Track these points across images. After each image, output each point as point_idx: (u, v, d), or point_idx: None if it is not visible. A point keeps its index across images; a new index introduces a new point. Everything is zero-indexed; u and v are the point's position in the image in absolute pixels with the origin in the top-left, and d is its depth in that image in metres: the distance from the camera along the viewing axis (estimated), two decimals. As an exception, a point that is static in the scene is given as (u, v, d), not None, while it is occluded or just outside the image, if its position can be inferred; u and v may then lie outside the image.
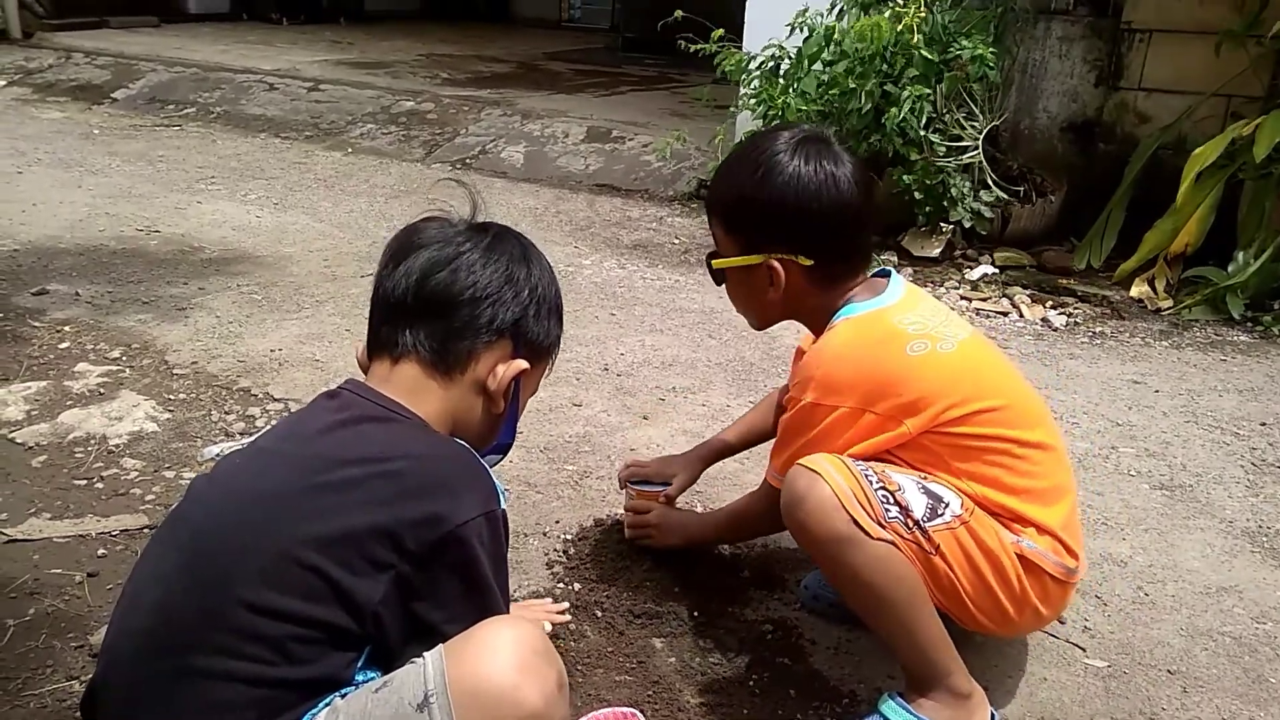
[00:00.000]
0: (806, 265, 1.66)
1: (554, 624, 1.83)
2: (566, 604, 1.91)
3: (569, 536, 2.17)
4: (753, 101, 4.49)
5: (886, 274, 1.76)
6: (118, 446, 2.45)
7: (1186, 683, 1.82)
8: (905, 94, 3.99)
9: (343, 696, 1.15)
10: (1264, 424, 2.91)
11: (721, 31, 4.59)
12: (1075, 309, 3.86)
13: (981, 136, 4.22)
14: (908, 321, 1.65)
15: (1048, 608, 1.64)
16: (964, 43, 4.06)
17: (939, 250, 4.27)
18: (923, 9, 4.04)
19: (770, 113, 4.27)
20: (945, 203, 4.19)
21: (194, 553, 1.19)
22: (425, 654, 1.14)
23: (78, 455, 2.40)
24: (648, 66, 9.17)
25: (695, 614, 1.91)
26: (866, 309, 1.68)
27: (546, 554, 2.10)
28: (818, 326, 1.74)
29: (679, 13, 4.53)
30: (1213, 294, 3.81)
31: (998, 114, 4.39)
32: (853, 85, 4.10)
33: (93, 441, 2.47)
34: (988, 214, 4.25)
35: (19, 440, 2.45)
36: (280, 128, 6.62)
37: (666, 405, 2.85)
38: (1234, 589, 2.11)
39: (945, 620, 1.59)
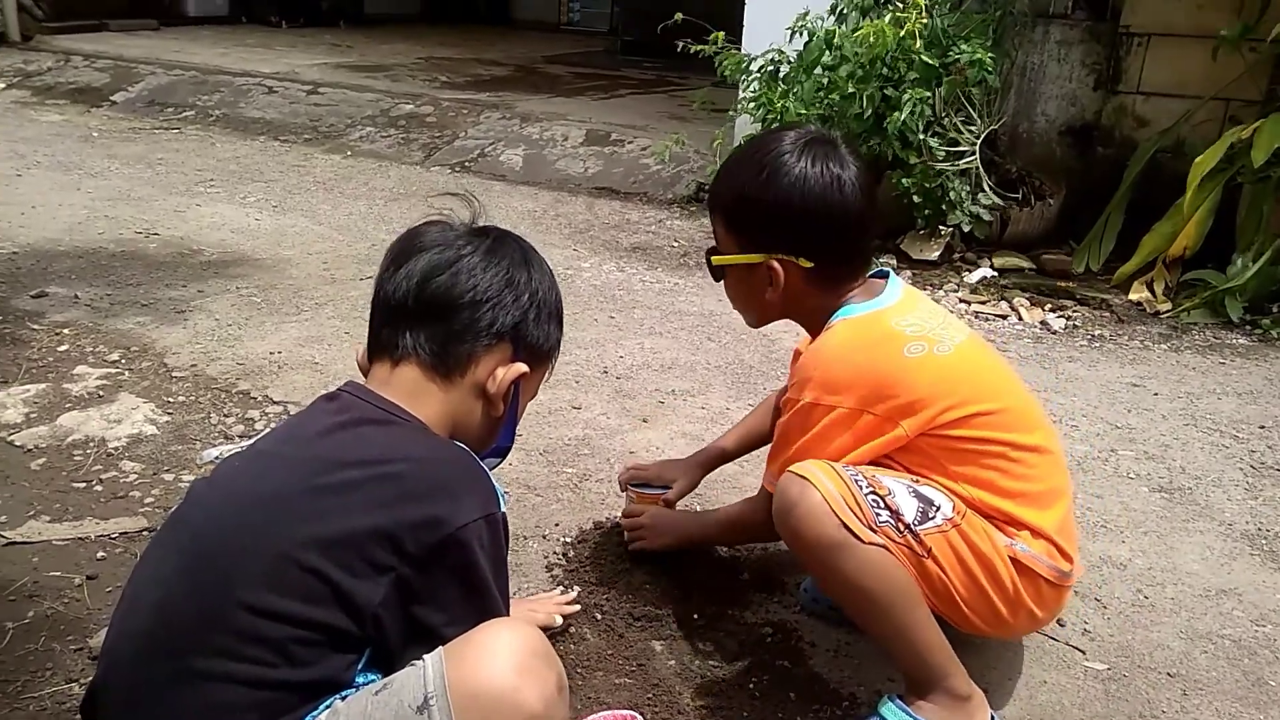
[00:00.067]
0: (807, 267, 1.66)
1: (565, 615, 1.84)
2: (575, 592, 1.92)
3: (568, 539, 2.17)
4: (751, 105, 4.50)
5: (885, 275, 1.76)
6: (117, 449, 2.45)
7: (1186, 685, 1.82)
8: (906, 98, 3.99)
9: (343, 699, 1.15)
10: (1263, 427, 2.91)
11: (722, 34, 4.59)
12: (1074, 312, 3.86)
13: (980, 140, 4.22)
14: (905, 323, 1.65)
15: (1043, 610, 1.64)
16: (963, 47, 4.07)
17: (938, 253, 4.28)
18: (923, 13, 4.05)
19: (769, 116, 4.27)
20: (944, 206, 4.19)
21: (194, 555, 1.19)
22: (425, 656, 1.14)
23: (77, 458, 2.40)
24: (646, 70, 9.18)
25: (695, 617, 1.91)
26: (864, 310, 1.68)
27: (546, 557, 2.10)
28: (815, 327, 1.74)
29: (679, 16, 4.53)
30: (1211, 297, 3.81)
31: (996, 118, 4.40)
32: (853, 89, 4.10)
33: (92, 444, 2.47)
34: (986, 217, 4.25)
35: (18, 443, 2.45)
36: (279, 131, 6.63)
37: (666, 408, 2.86)
38: (1233, 592, 2.11)
39: (942, 623, 1.59)
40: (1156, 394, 3.13)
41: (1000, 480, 1.62)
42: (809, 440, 1.63)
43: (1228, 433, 2.86)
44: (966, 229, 4.26)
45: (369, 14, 12.65)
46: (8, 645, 1.74)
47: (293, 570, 1.14)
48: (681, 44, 4.56)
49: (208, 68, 7.89)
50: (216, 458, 2.39)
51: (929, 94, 4.04)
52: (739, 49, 4.72)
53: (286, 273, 3.86)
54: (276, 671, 1.12)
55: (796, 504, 1.54)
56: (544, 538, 2.17)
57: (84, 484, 2.29)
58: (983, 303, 3.92)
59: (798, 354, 1.89)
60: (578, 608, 1.88)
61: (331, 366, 2.97)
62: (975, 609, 1.59)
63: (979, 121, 4.27)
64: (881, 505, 1.54)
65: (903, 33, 4.03)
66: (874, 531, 1.51)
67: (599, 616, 1.89)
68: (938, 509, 1.56)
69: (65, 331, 3.15)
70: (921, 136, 4.09)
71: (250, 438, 2.50)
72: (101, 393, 2.74)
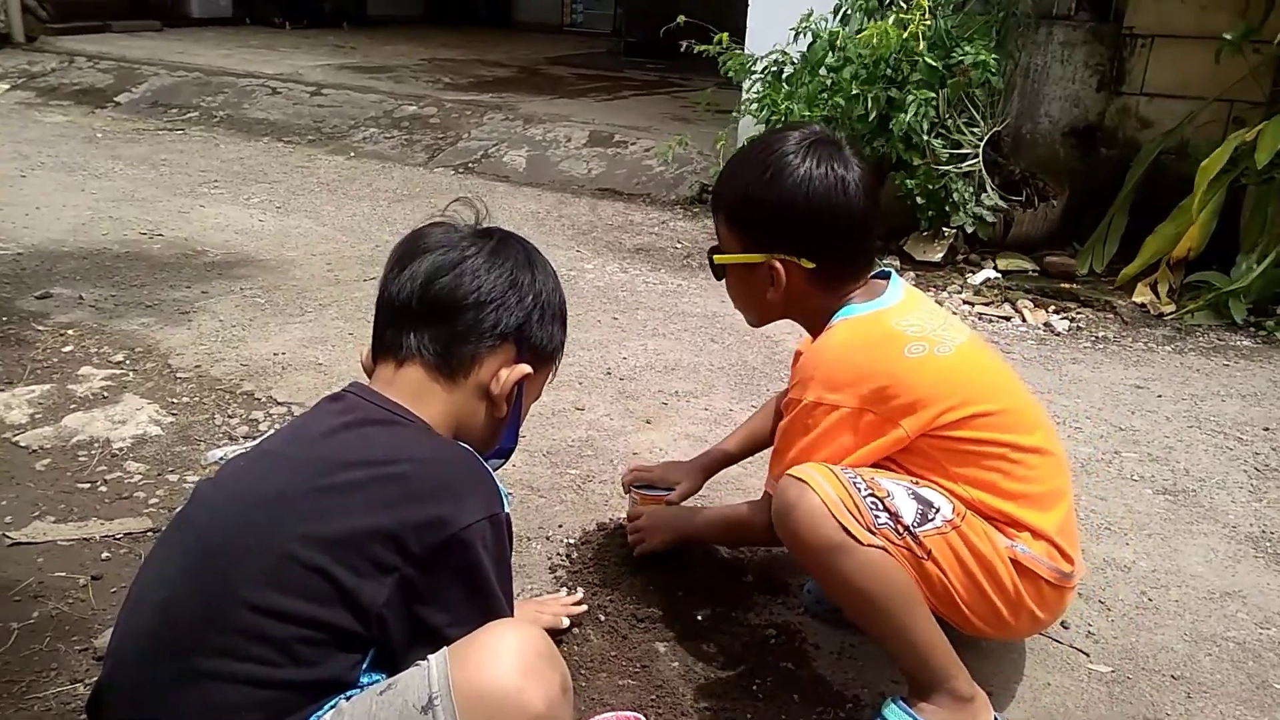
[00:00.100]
0: (808, 268, 1.66)
1: (571, 617, 1.84)
2: (580, 594, 1.92)
3: (572, 540, 2.17)
4: (755, 106, 4.50)
5: (886, 275, 1.76)
6: (121, 450, 2.46)
7: (1190, 688, 1.81)
8: (911, 99, 3.99)
9: (347, 699, 1.15)
10: (1267, 429, 2.91)
11: (726, 35, 4.60)
12: (1078, 314, 3.86)
13: (983, 142, 4.22)
14: (906, 324, 1.65)
15: (1044, 611, 1.64)
16: (966, 48, 4.07)
17: (941, 255, 4.28)
18: (927, 15, 4.05)
19: (773, 117, 4.27)
20: (947, 207, 4.19)
21: (198, 555, 1.19)
22: (430, 657, 1.15)
23: (81, 459, 2.41)
24: (650, 71, 9.18)
25: (698, 618, 1.91)
26: (865, 310, 1.68)
27: (549, 558, 2.11)
28: (816, 328, 1.74)
29: (681, 18, 4.54)
30: (1215, 299, 3.81)
31: (1000, 119, 4.40)
32: (856, 91, 4.10)
33: (96, 445, 2.47)
34: (990, 219, 4.25)
35: (23, 443, 2.46)
36: (283, 132, 6.64)
37: (669, 409, 2.86)
38: (1238, 594, 2.11)
39: (944, 625, 1.59)
40: (1160, 396, 3.12)
41: (1001, 481, 1.62)
42: (811, 441, 1.63)
43: (1232, 435, 2.86)
44: (970, 230, 4.26)
45: (372, 15, 12.67)
46: (13, 645, 1.75)
47: (296, 569, 1.14)
48: (685, 44, 4.57)
49: (211, 69, 7.91)
50: (221, 458, 2.39)
51: (933, 95, 4.05)
52: (742, 50, 4.72)
53: (290, 274, 3.86)
54: (281, 671, 1.12)
55: (795, 507, 1.54)
56: (547, 539, 2.18)
57: (88, 485, 2.29)
58: (986, 304, 3.92)
59: (799, 355, 1.89)
60: (584, 609, 1.89)
61: (335, 367, 2.97)
62: (976, 610, 1.59)
63: (982, 123, 4.26)
64: (880, 507, 1.54)
65: (906, 34, 4.03)
66: (873, 534, 1.52)
67: (602, 618, 1.89)
68: (937, 511, 1.57)
69: (70, 332, 3.16)
70: (925, 138, 4.09)
71: (254, 438, 2.51)
72: (106, 394, 2.75)
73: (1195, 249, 3.94)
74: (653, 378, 3.07)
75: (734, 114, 4.88)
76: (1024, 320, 3.78)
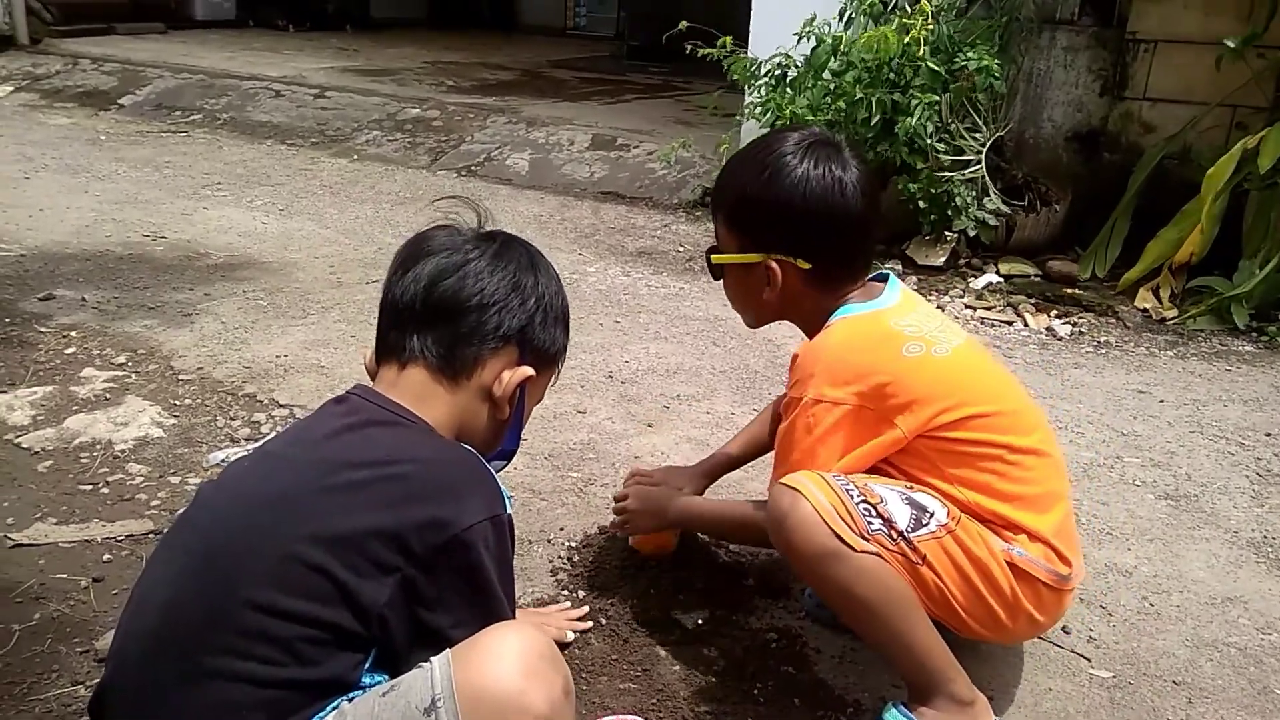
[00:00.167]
0: (805, 268, 1.67)
1: (576, 630, 1.84)
2: (586, 608, 1.91)
3: (573, 544, 2.17)
4: (759, 110, 4.50)
5: (884, 278, 1.76)
6: (123, 452, 2.46)
7: (1192, 694, 1.81)
8: (915, 103, 4.00)
9: (350, 700, 1.15)
10: (1269, 434, 2.90)
11: (729, 39, 4.60)
12: (1080, 318, 3.86)
13: (986, 146, 4.22)
14: (904, 324, 1.66)
15: (1043, 614, 1.64)
16: (969, 53, 4.07)
17: (943, 259, 4.28)
18: (930, 20, 4.05)
19: (777, 121, 4.28)
20: (950, 212, 4.19)
21: (201, 556, 1.19)
22: (432, 659, 1.15)
23: (83, 460, 2.41)
24: (652, 74, 9.20)
25: (699, 622, 1.91)
26: (863, 310, 1.68)
27: (551, 561, 2.11)
28: (813, 329, 1.74)
29: (684, 24, 4.54)
30: (1218, 304, 3.81)
31: (1003, 124, 4.40)
32: (860, 95, 4.11)
33: (98, 447, 2.47)
34: (992, 223, 4.25)
35: (25, 445, 2.46)
36: (286, 134, 6.65)
37: (671, 413, 2.86)
38: (1239, 600, 2.10)
39: (943, 630, 1.59)
40: (1162, 401, 3.12)
41: (997, 483, 1.62)
42: (814, 440, 1.63)
43: (1234, 440, 2.86)
44: (972, 235, 4.26)
45: (375, 18, 12.70)
46: (14, 647, 1.75)
47: (298, 569, 1.14)
48: (688, 48, 4.57)
49: (215, 71, 7.92)
50: (223, 461, 2.40)
51: (938, 99, 4.05)
52: (746, 54, 4.73)
53: (293, 276, 3.87)
54: (284, 670, 1.12)
55: (787, 515, 1.54)
56: (549, 542, 2.18)
57: (90, 486, 2.29)
58: (988, 309, 3.92)
59: (796, 358, 1.89)
60: (590, 624, 1.87)
61: (337, 370, 2.97)
62: (974, 614, 1.59)
63: (985, 128, 4.27)
64: (874, 514, 1.54)
65: (908, 39, 4.03)
66: (866, 540, 1.52)
67: (603, 621, 1.89)
68: (931, 515, 1.57)
69: (72, 334, 3.16)
70: (929, 142, 4.09)
71: (256, 441, 2.51)
72: (108, 395, 2.75)
73: (1198, 254, 3.94)
74: (654, 381, 3.07)
75: (737, 117, 4.88)
76: (1026, 325, 3.78)
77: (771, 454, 1.83)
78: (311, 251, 4.19)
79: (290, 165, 5.87)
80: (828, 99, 4.23)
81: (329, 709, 1.14)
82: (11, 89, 7.76)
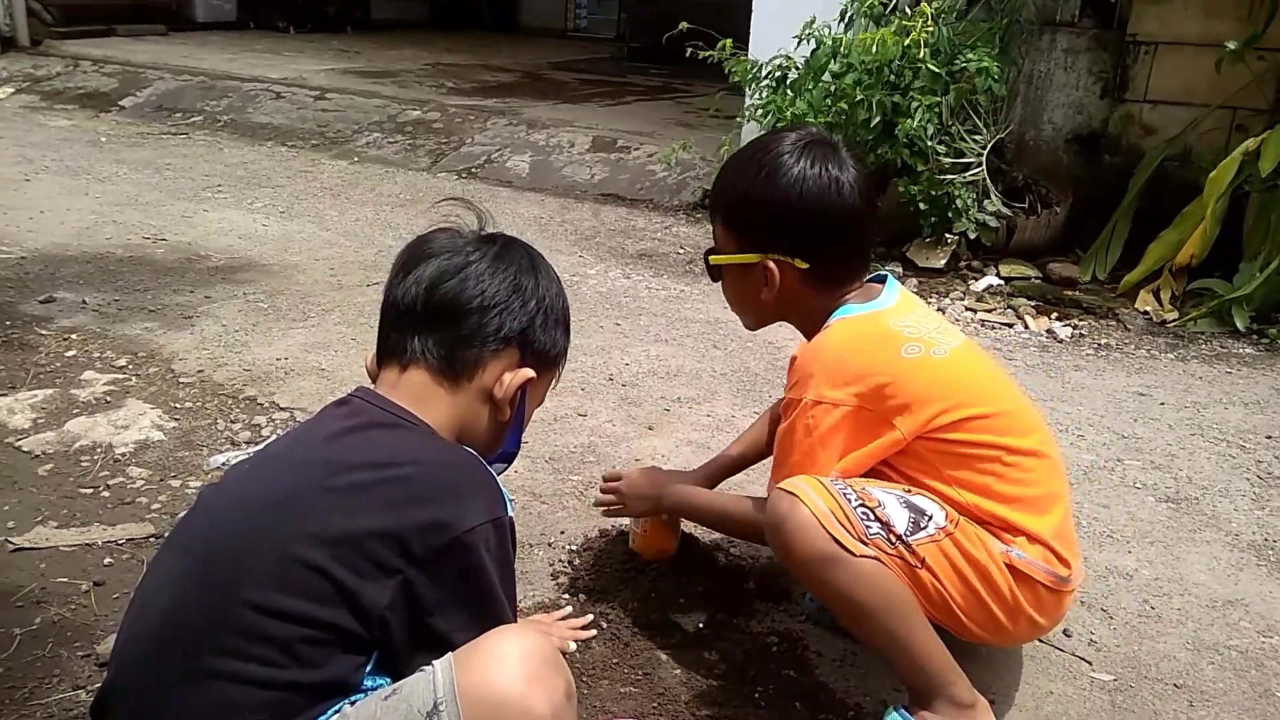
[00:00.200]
0: (802, 268, 1.67)
1: (579, 640, 1.82)
2: (589, 617, 1.90)
3: (574, 547, 2.17)
4: (759, 112, 4.51)
5: (882, 279, 1.76)
6: (124, 455, 2.46)
7: (1193, 697, 1.81)
8: (915, 105, 4.00)
9: (351, 704, 1.15)
10: (1269, 437, 2.90)
11: (729, 42, 4.60)
12: (1080, 321, 3.86)
13: (987, 148, 4.22)
14: (903, 325, 1.66)
15: (1043, 616, 1.64)
16: (969, 55, 4.07)
17: (944, 261, 4.28)
18: (929, 22, 4.05)
19: (778, 123, 4.28)
20: (950, 214, 4.19)
21: (202, 558, 1.19)
22: (434, 662, 1.15)
23: (84, 464, 2.41)
24: (653, 76, 9.20)
25: (700, 625, 1.91)
26: (862, 311, 1.68)
27: (551, 564, 2.11)
28: (811, 329, 1.73)
29: (684, 25, 4.54)
30: (1218, 306, 3.81)
31: (1003, 126, 4.40)
32: (860, 97, 4.11)
33: (99, 450, 2.47)
34: (993, 225, 4.25)
35: (25, 448, 2.46)
36: (287, 136, 6.65)
37: (671, 416, 2.86)
38: (1240, 602, 2.10)
39: (944, 633, 1.59)
40: (1163, 403, 3.12)
41: (995, 485, 1.62)
42: (814, 441, 1.63)
43: (1234, 442, 2.86)
44: (973, 237, 4.26)
45: (376, 20, 12.71)
46: (15, 651, 1.75)
47: (299, 570, 1.14)
48: (689, 50, 4.57)
49: (215, 73, 7.93)
50: (223, 464, 2.40)
51: (938, 100, 4.05)
52: (746, 56, 4.73)
53: (293, 278, 3.87)
54: (285, 672, 1.12)
55: (785, 520, 1.54)
56: (549, 545, 2.18)
57: (91, 490, 2.29)
58: (989, 311, 3.92)
59: (795, 360, 1.89)
60: (593, 633, 1.86)
61: (338, 372, 2.97)
62: (974, 617, 1.59)
63: (985, 130, 4.27)
64: (872, 518, 1.54)
65: (907, 41, 4.04)
66: (865, 544, 1.52)
67: (604, 625, 1.89)
68: (929, 518, 1.57)
69: (73, 337, 3.16)
70: (929, 144, 4.09)
71: (257, 444, 2.51)
72: (109, 398, 2.75)
73: (1198, 256, 3.94)
74: (655, 384, 3.07)
75: (738, 120, 4.89)
76: (1026, 327, 3.78)
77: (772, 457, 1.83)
78: (312, 254, 4.19)
79: (291, 167, 5.87)
80: (828, 101, 4.23)
81: (331, 712, 1.14)
82: (12, 90, 7.76)
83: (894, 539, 1.53)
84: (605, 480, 2.07)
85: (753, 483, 2.37)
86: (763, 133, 2.22)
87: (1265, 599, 2.12)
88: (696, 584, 2.01)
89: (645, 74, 9.37)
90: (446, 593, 1.20)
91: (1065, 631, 1.95)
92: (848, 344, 1.65)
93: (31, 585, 1.93)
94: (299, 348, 3.17)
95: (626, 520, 2.16)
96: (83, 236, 4.24)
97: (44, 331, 3.19)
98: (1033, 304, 3.98)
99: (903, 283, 3.91)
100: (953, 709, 1.55)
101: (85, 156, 5.82)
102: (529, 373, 1.40)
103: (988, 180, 4.23)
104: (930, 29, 4.06)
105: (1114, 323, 3.86)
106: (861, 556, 1.51)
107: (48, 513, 2.19)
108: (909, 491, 1.60)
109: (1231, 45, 3.96)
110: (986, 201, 4.24)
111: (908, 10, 4.21)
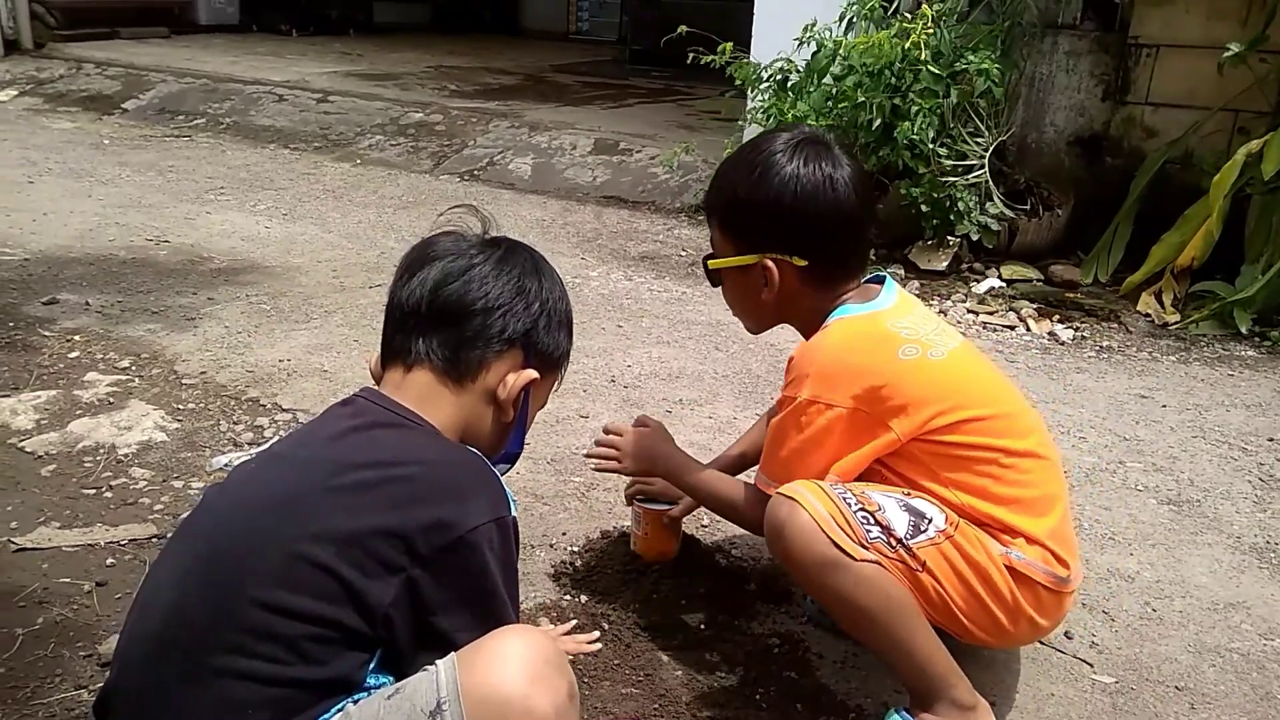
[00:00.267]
0: (801, 266, 1.67)
1: (583, 653, 1.80)
2: (596, 633, 1.86)
3: (576, 548, 2.17)
4: (761, 114, 4.51)
5: (881, 280, 1.76)
6: (127, 456, 2.46)
7: (1194, 699, 1.81)
8: (915, 108, 4.00)
9: (355, 703, 1.16)
10: (1271, 439, 2.90)
11: (730, 45, 4.61)
12: (1082, 323, 3.86)
13: (989, 151, 4.23)
14: (901, 326, 1.66)
15: (1044, 617, 1.64)
16: (971, 57, 4.07)
17: (946, 263, 4.28)
18: (930, 24, 4.06)
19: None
20: (952, 216, 4.19)
21: (206, 558, 1.20)
22: (438, 662, 1.15)
23: (87, 464, 2.41)
24: (655, 79, 9.21)
25: (702, 627, 1.91)
26: (860, 311, 1.69)
27: (553, 565, 2.11)
28: (810, 329, 1.73)
29: (683, 28, 4.55)
30: (1220, 309, 3.81)
31: (1005, 128, 4.41)
32: (861, 99, 4.11)
33: (102, 451, 2.48)
34: (995, 227, 4.25)
35: (28, 449, 2.47)
36: (289, 139, 6.66)
37: (673, 417, 2.86)
38: (1242, 605, 2.10)
39: (945, 636, 1.59)
40: (1165, 406, 3.12)
41: (993, 487, 1.62)
42: (804, 440, 1.63)
43: (1236, 445, 2.86)
44: (974, 239, 4.26)
45: (378, 23, 12.72)
46: (18, 651, 1.75)
47: (303, 567, 1.15)
48: (691, 53, 4.58)
49: (218, 76, 7.94)
50: (226, 465, 2.40)
51: (939, 102, 4.05)
52: (748, 58, 4.73)
53: (296, 280, 3.87)
54: (289, 669, 1.13)
55: (785, 525, 1.54)
56: (551, 546, 2.18)
57: (94, 491, 2.30)
58: (990, 313, 3.92)
59: (793, 359, 1.89)
60: (599, 646, 1.82)
61: (341, 374, 2.98)
62: (974, 619, 1.59)
63: (987, 132, 4.27)
64: (872, 521, 1.54)
65: (908, 44, 4.04)
66: (865, 548, 1.52)
67: (606, 626, 1.89)
68: (929, 521, 1.57)
69: (76, 338, 3.17)
70: (930, 146, 4.09)
71: (260, 445, 2.51)
72: (112, 399, 2.75)
73: (1199, 258, 3.94)
74: (657, 386, 3.07)
75: (740, 122, 4.89)
76: (1028, 329, 3.78)
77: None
78: (314, 256, 4.20)
79: (293, 170, 5.88)
80: (829, 103, 4.24)
81: (334, 710, 1.15)
82: (16, 93, 7.78)
83: (894, 542, 1.54)
84: (606, 431, 1.99)
85: (754, 484, 2.38)
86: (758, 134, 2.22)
87: (1267, 602, 2.12)
88: (698, 585, 2.02)
89: (647, 77, 9.38)
90: (450, 592, 1.20)
91: (1066, 634, 1.95)
92: (845, 344, 1.65)
93: (34, 585, 1.94)
94: (301, 349, 3.18)
95: (628, 521, 2.16)
96: (86, 238, 4.25)
97: (47, 333, 3.20)
98: (1034, 306, 3.98)
99: (904, 285, 3.92)
100: (954, 711, 1.56)
101: (88, 159, 5.83)
102: (532, 374, 1.40)
103: (989, 182, 4.23)
104: (931, 31, 4.06)
105: (1116, 325, 3.86)
106: (862, 560, 1.51)
107: (50, 513, 2.19)
108: (908, 495, 1.60)
109: (1234, 48, 3.96)
110: (988, 204, 4.24)
111: (908, 15, 4.22)
